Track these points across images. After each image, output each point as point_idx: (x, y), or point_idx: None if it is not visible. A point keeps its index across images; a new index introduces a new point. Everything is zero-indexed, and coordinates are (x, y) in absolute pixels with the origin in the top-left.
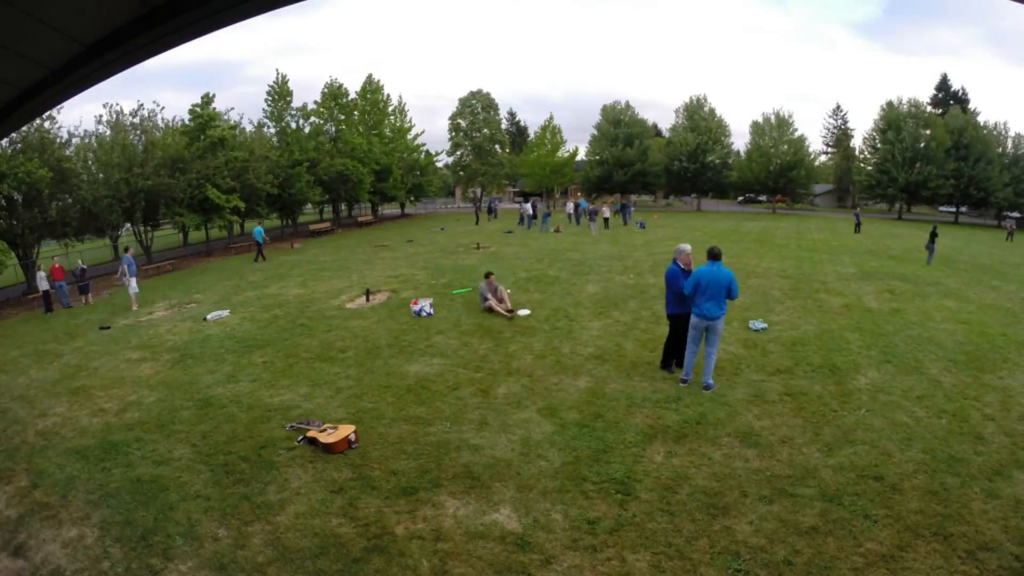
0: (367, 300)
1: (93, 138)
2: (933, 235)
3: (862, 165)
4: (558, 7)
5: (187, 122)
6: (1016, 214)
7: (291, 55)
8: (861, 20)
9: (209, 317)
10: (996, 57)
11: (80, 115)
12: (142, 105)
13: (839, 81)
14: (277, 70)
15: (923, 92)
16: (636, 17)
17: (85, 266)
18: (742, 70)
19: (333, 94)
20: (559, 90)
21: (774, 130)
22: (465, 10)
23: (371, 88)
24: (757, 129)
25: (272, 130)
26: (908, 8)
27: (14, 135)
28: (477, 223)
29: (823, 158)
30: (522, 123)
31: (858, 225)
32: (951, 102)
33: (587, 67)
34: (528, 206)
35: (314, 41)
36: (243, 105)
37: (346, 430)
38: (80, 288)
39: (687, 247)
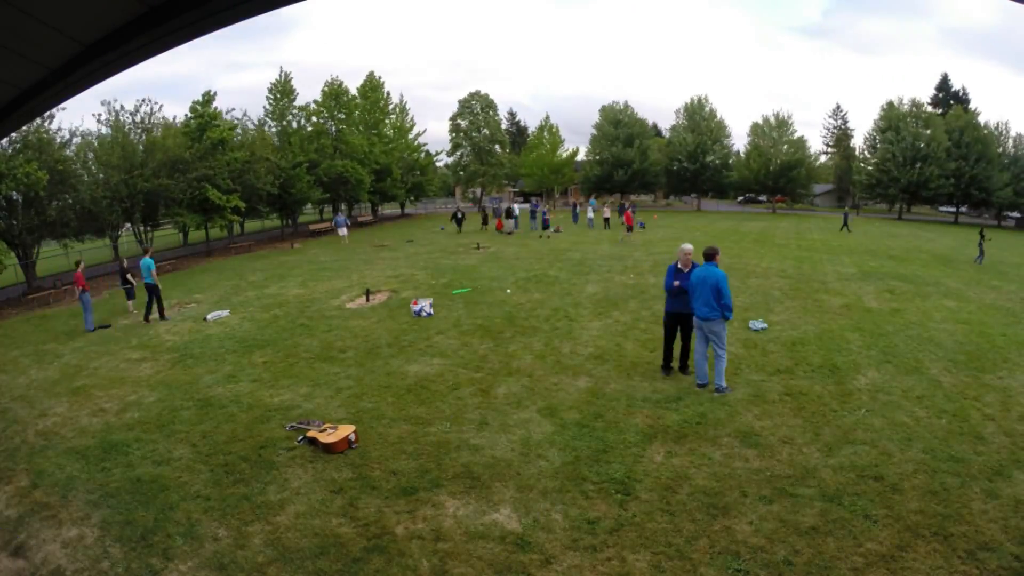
0: (367, 300)
1: (94, 138)
2: (982, 235)
3: (862, 165)
4: (536, 12)
5: (189, 118)
6: (1016, 214)
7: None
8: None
9: (209, 317)
10: (958, 54)
11: (82, 116)
12: (144, 101)
13: (821, 83)
14: (280, 67)
15: (888, 92)
16: (623, 19)
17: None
18: (730, 72)
19: (334, 93)
20: (544, 94)
21: (774, 130)
22: (455, 13)
23: (371, 86)
24: (757, 130)
25: (273, 129)
26: (850, 7)
27: (14, 135)
28: (485, 224)
29: (823, 158)
30: (522, 123)
31: (845, 224)
32: (951, 102)
33: (579, 70)
34: (516, 207)
35: (292, 57)
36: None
37: (346, 430)
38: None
39: (688, 247)
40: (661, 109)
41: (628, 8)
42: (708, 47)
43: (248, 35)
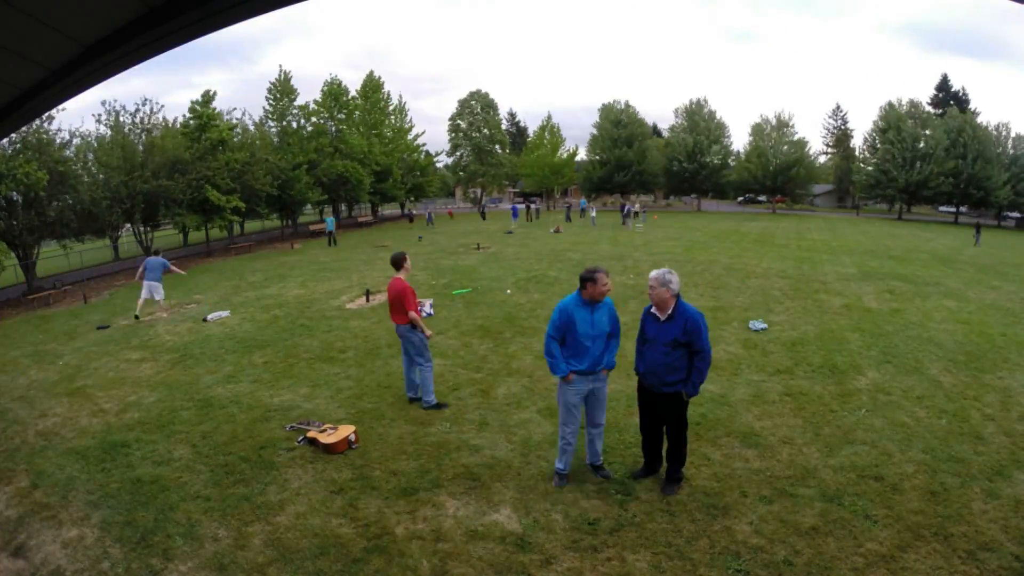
0: (367, 300)
1: (93, 139)
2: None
3: (862, 165)
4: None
5: (188, 119)
6: (1016, 214)
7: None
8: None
9: (209, 317)
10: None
11: (82, 117)
12: (145, 102)
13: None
14: (280, 66)
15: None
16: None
17: None
18: (728, 73)
19: (334, 92)
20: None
21: (774, 131)
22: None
23: (371, 87)
24: (757, 130)
25: (273, 129)
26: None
27: (13, 135)
28: (484, 219)
29: (823, 158)
30: (522, 123)
31: (977, 237)
32: (951, 102)
33: (573, 72)
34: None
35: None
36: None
37: (346, 430)
38: None
39: (658, 273)
40: (653, 112)
41: (624, 9)
42: (704, 47)
43: (210, 56)
